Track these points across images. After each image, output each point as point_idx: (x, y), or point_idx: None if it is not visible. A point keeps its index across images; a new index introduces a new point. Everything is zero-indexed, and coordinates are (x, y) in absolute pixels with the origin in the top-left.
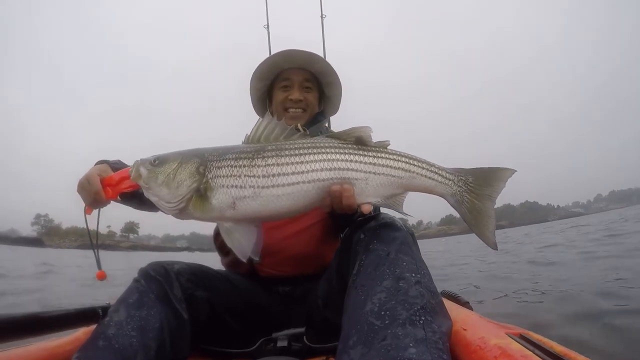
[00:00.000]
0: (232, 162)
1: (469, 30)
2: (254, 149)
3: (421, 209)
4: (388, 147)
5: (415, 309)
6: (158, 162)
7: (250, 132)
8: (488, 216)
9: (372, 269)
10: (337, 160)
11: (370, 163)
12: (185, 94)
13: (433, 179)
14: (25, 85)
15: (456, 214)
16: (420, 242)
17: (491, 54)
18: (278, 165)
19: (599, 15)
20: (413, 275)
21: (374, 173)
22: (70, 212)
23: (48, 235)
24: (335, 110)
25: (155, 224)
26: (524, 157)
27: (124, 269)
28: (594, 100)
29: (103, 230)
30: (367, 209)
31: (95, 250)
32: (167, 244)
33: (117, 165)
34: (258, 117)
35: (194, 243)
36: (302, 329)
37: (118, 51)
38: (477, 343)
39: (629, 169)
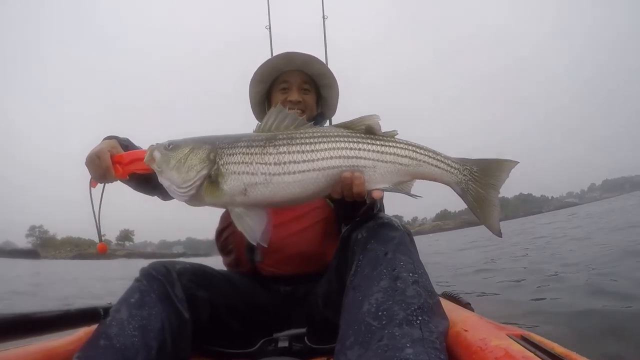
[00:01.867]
0: (244, 150)
1: (467, 24)
2: (265, 137)
3: (416, 205)
4: (395, 137)
5: (412, 309)
6: (172, 147)
7: (262, 122)
8: (492, 205)
9: (369, 269)
10: (346, 148)
11: (378, 151)
12: (187, 94)
13: (439, 167)
14: (17, 88)
15: (450, 209)
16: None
17: (483, 48)
18: (289, 153)
19: (593, 7)
20: (410, 275)
21: (381, 161)
22: (64, 222)
23: (43, 246)
24: (333, 112)
25: (150, 230)
26: (518, 150)
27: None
28: (585, 93)
29: (95, 237)
30: (377, 194)
31: (97, 224)
32: (163, 250)
33: (125, 143)
34: (256, 120)
35: (189, 248)
36: (303, 330)
37: (119, 52)
38: (478, 344)
39: (622, 158)
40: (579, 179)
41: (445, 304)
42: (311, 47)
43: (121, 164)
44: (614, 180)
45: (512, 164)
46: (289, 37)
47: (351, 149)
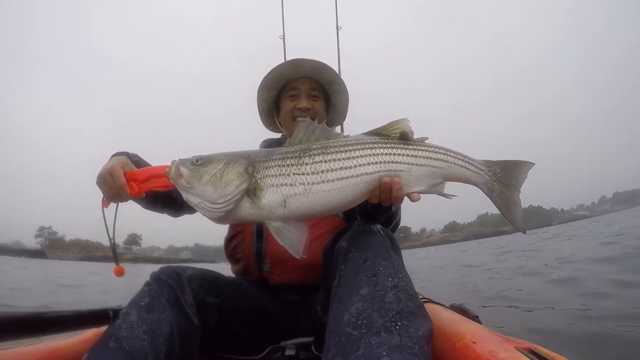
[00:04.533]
0: (280, 162)
1: (476, 32)
2: (299, 149)
3: (424, 217)
4: (426, 142)
5: (391, 314)
6: (201, 162)
7: (292, 137)
8: (515, 203)
9: (350, 279)
10: (383, 154)
11: (412, 155)
12: (201, 104)
13: (468, 169)
14: (28, 91)
15: (459, 221)
16: (411, 251)
17: (494, 57)
18: (326, 162)
19: (601, 16)
20: (390, 280)
21: (416, 164)
22: (73, 224)
23: (51, 247)
24: (342, 118)
25: (159, 235)
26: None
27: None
28: (594, 103)
29: (105, 242)
30: (415, 197)
31: (113, 245)
32: (171, 255)
33: (135, 159)
34: (266, 129)
35: (197, 254)
36: (310, 338)
37: (134, 57)
38: (486, 356)
39: (632, 169)
40: (589, 191)
41: (454, 317)
42: (325, 57)
43: (136, 182)
44: (625, 193)
45: (529, 165)
46: (303, 47)
47: (387, 154)
